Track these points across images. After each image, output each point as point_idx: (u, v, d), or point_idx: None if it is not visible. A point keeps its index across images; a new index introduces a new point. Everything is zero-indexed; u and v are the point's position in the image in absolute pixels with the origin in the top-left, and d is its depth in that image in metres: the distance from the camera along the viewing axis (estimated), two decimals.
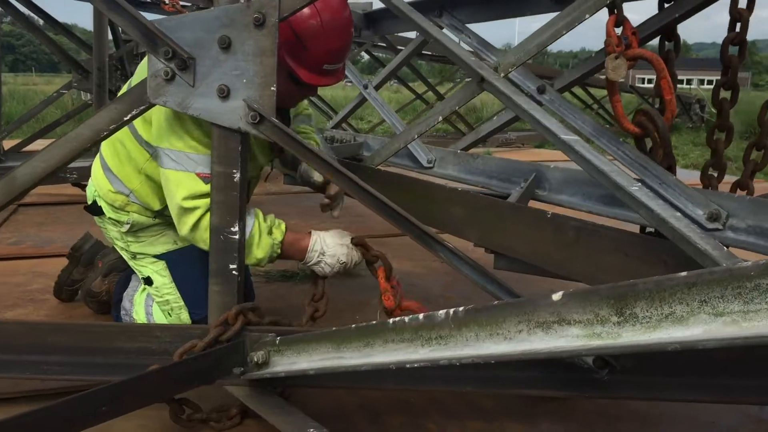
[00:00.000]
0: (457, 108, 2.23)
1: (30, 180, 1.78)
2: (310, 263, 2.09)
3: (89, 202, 2.34)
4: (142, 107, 1.77)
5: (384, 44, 7.36)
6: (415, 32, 5.93)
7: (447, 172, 2.87)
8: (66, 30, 5.90)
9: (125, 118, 1.77)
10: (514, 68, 1.97)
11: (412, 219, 1.73)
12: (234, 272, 1.82)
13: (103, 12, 1.73)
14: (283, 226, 2.08)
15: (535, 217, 1.78)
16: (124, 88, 2.13)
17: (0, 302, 2.80)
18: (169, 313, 2.27)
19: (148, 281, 2.29)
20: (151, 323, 2.24)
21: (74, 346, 1.85)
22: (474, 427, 1.88)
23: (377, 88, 3.81)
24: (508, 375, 1.79)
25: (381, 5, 3.02)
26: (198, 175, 1.93)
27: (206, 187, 1.90)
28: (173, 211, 2.00)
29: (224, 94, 1.73)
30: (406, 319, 1.32)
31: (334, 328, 1.53)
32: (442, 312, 1.24)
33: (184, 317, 2.25)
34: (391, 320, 1.36)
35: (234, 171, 1.78)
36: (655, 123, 1.90)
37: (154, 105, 1.76)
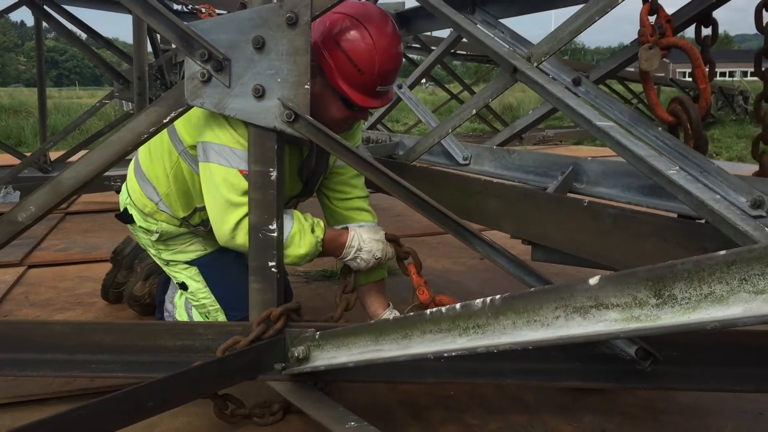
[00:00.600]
0: (490, 101, 2.22)
1: (75, 183, 1.83)
2: (347, 258, 2.11)
3: (121, 210, 2.38)
4: (180, 109, 1.80)
5: (418, 45, 7.36)
6: (448, 31, 5.93)
7: (483, 168, 2.86)
8: (108, 42, 6.05)
9: (164, 120, 1.81)
10: (547, 57, 1.95)
11: (448, 213, 1.73)
12: (273, 269, 1.85)
13: (141, 17, 1.77)
14: (322, 224, 2.09)
15: (572, 205, 1.77)
16: None
17: (50, 306, 2.89)
18: (206, 316, 2.30)
19: (183, 286, 2.33)
20: (194, 321, 2.28)
21: (120, 345, 1.89)
22: (516, 420, 1.87)
23: (411, 87, 3.81)
24: (549, 367, 1.78)
25: (414, 4, 3.02)
26: (241, 172, 1.91)
27: (246, 184, 1.90)
28: (215, 208, 1.97)
29: (259, 93, 1.76)
30: (443, 309, 1.33)
31: (371, 321, 1.54)
32: (479, 301, 1.24)
33: (222, 320, 2.28)
34: (428, 311, 1.37)
35: (271, 170, 1.80)
36: (688, 112, 1.87)
37: (191, 107, 1.80)
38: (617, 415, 1.90)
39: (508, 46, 2.33)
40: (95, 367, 1.89)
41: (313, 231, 2.05)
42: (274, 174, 1.80)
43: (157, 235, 2.28)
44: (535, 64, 1.91)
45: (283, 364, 1.80)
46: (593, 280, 1.01)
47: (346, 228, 2.17)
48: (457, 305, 1.29)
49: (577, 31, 1.85)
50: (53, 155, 6.12)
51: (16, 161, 5.97)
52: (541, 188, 2.25)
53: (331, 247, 2.11)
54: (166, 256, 2.33)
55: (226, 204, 1.94)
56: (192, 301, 2.33)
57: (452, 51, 5.74)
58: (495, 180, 2.19)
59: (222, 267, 2.30)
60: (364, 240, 2.12)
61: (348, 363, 1.58)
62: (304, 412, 1.72)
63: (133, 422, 1.75)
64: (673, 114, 1.93)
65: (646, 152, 1.51)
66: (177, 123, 2.06)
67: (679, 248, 1.47)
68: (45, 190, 1.86)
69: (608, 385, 1.81)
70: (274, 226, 1.82)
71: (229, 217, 1.94)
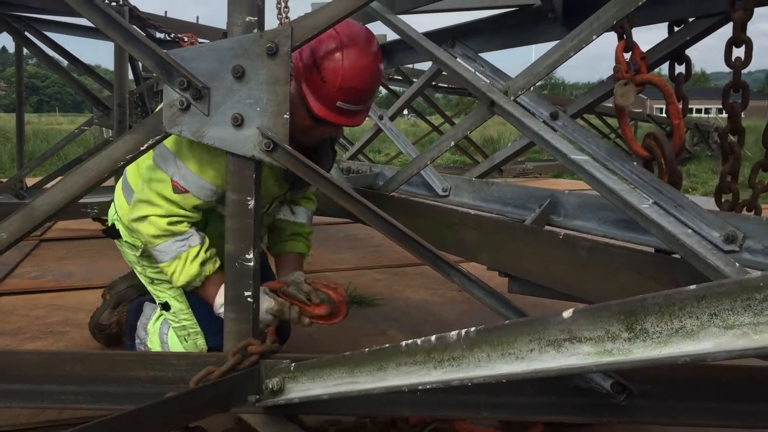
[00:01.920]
0: (468, 132, 2.24)
1: (49, 210, 1.81)
2: (218, 313, 2.07)
3: (108, 224, 2.37)
4: (158, 137, 1.80)
5: (399, 77, 7.43)
6: (429, 64, 6.00)
7: (462, 200, 2.87)
8: (88, 69, 6.04)
9: (142, 148, 1.80)
10: (523, 91, 1.98)
11: (425, 244, 1.73)
12: (249, 299, 1.83)
13: (121, 45, 1.78)
14: (217, 265, 2.08)
15: (548, 238, 1.78)
16: None
17: (20, 334, 2.83)
18: (185, 339, 2.27)
19: (166, 306, 2.31)
20: (167, 352, 2.24)
21: (91, 375, 1.85)
22: None
23: (392, 118, 3.84)
24: (525, 401, 1.77)
25: (395, 37, 3.06)
26: (173, 182, 2.00)
27: (174, 197, 2.00)
28: (138, 195, 2.08)
29: (238, 122, 1.76)
30: (419, 341, 1.32)
31: (347, 353, 1.52)
32: (454, 333, 1.23)
33: (201, 343, 2.25)
34: (403, 343, 1.36)
35: (248, 198, 1.80)
36: (662, 147, 1.90)
37: (169, 134, 1.79)
38: None
39: (487, 80, 2.36)
40: (64, 398, 1.85)
41: (203, 264, 2.05)
42: (251, 203, 1.79)
43: (141, 250, 2.27)
44: (512, 98, 1.94)
45: (258, 396, 1.77)
46: (567, 314, 1.01)
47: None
48: (433, 337, 1.28)
49: (553, 66, 1.87)
50: (30, 181, 6.06)
51: None
52: (519, 220, 2.27)
53: (206, 292, 2.11)
54: (150, 273, 2.31)
55: (146, 199, 2.03)
56: (172, 322, 2.30)
57: (433, 83, 5.80)
58: (473, 212, 2.19)
59: None
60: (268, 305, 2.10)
61: (323, 395, 1.56)
62: None
63: None
64: (648, 149, 1.95)
65: (620, 186, 1.52)
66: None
67: (652, 281, 1.48)
68: (18, 217, 1.83)
69: (584, 419, 1.80)
70: (251, 256, 1.81)
71: (142, 208, 2.04)
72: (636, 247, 1.60)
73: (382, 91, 9.42)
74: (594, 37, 1.81)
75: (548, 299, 1.98)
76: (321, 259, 4.42)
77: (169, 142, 1.99)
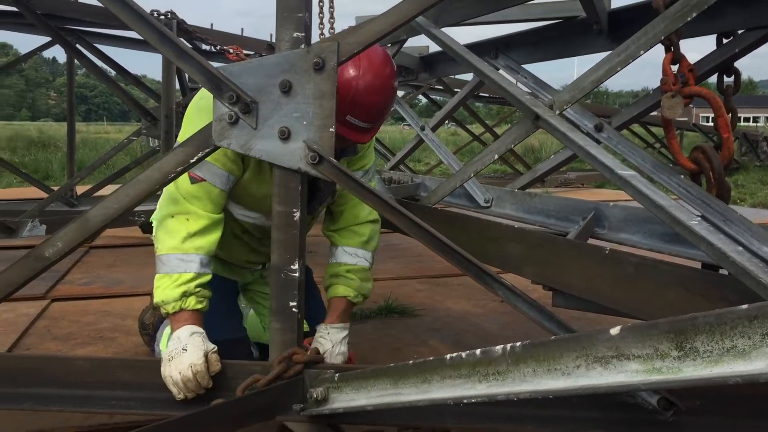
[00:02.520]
0: (512, 146, 2.24)
1: (102, 220, 1.87)
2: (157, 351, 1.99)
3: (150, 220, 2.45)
4: (207, 150, 1.84)
5: (441, 87, 7.44)
6: (471, 74, 5.99)
7: (504, 211, 2.87)
8: (136, 80, 6.19)
9: (192, 161, 1.84)
10: (569, 105, 1.97)
11: (468, 256, 1.74)
12: (294, 309, 1.85)
13: (173, 60, 1.82)
14: (200, 306, 1.96)
15: (593, 252, 1.77)
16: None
17: (71, 340, 2.91)
18: (164, 347, 2.32)
19: None
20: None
21: (140, 381, 1.90)
22: None
23: (434, 129, 3.85)
24: (571, 415, 1.76)
25: (437, 48, 3.07)
26: (189, 173, 1.99)
27: (191, 188, 1.99)
28: (164, 193, 2.06)
29: (285, 135, 1.79)
30: (464, 354, 1.32)
31: (392, 365, 1.54)
32: (499, 347, 1.24)
33: None
34: (448, 356, 1.36)
35: (294, 210, 1.82)
36: (710, 160, 1.88)
37: (218, 147, 1.83)
38: None
39: (530, 92, 2.36)
40: (114, 403, 1.90)
41: (184, 294, 1.93)
42: (297, 215, 1.82)
43: None
44: (557, 112, 1.93)
45: (302, 405, 1.80)
46: (614, 330, 1.01)
47: (194, 332, 1.92)
48: (478, 351, 1.29)
49: (599, 81, 1.87)
50: (80, 189, 6.24)
51: (42, 194, 6.09)
52: (562, 233, 2.25)
53: (171, 325, 1.97)
54: None
55: (168, 198, 2.03)
56: None
57: (475, 93, 5.79)
58: (516, 225, 2.19)
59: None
60: (176, 353, 1.86)
61: (367, 406, 1.57)
62: None
63: None
64: (696, 162, 1.93)
65: (667, 202, 1.51)
66: None
67: (701, 298, 1.46)
68: (73, 227, 1.89)
69: None
70: (296, 266, 1.84)
71: (164, 207, 2.03)
72: (684, 264, 1.58)
73: (422, 100, 9.45)
74: (642, 52, 1.80)
75: (593, 313, 1.96)
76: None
77: (180, 138, 2.03)
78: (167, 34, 1.83)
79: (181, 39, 1.96)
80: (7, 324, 3.09)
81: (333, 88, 1.76)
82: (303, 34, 1.78)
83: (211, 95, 1.95)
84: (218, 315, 2.31)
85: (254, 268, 2.49)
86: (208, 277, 1.99)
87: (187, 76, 6.87)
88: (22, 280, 1.92)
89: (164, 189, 2.02)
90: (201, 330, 1.94)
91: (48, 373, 1.92)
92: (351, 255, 2.29)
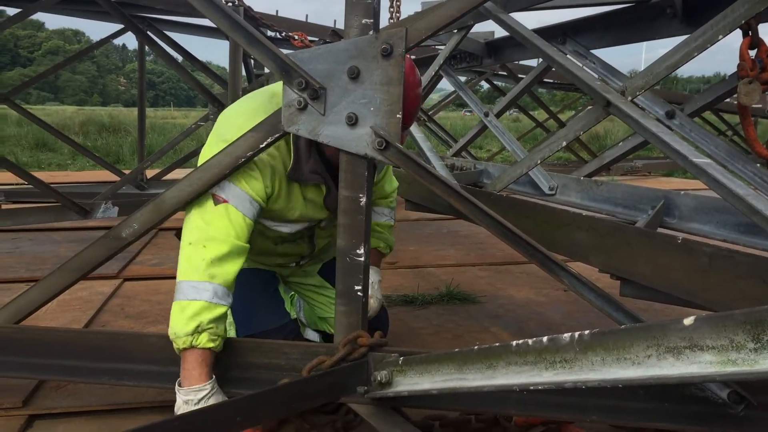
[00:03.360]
0: (581, 133, 2.20)
1: (176, 203, 1.93)
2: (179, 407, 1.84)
3: None
4: (277, 135, 1.88)
5: (504, 73, 7.35)
6: (536, 60, 5.90)
7: (569, 199, 2.83)
8: (204, 67, 6.32)
9: (261, 145, 1.89)
10: (642, 92, 1.93)
11: (534, 244, 1.73)
12: (359, 293, 1.88)
13: (244, 47, 1.86)
14: (212, 345, 1.82)
15: (665, 242, 1.73)
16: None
17: (143, 318, 3.02)
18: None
19: None
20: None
21: None
22: None
23: (498, 115, 3.82)
24: (636, 406, 1.74)
25: (503, 33, 3.04)
26: (213, 195, 1.91)
27: (215, 211, 1.88)
28: (187, 216, 1.96)
29: (352, 121, 1.81)
30: (530, 341, 1.32)
31: (457, 350, 1.55)
32: (566, 335, 1.23)
33: (232, 334, 2.32)
34: (514, 342, 1.37)
35: (360, 195, 1.84)
36: None
37: (288, 133, 1.87)
38: None
39: (599, 78, 2.31)
40: None
41: (197, 328, 1.80)
42: (363, 200, 1.84)
43: None
44: (629, 98, 1.89)
45: (366, 388, 1.82)
46: (688, 321, 0.99)
47: (208, 384, 1.83)
48: (545, 338, 1.28)
49: (674, 66, 1.82)
50: (149, 173, 6.43)
51: (113, 177, 6.31)
52: (630, 222, 2.21)
53: (182, 364, 1.85)
54: None
55: (191, 223, 1.92)
56: None
57: (540, 80, 5.72)
58: (584, 213, 2.16)
59: (245, 285, 2.29)
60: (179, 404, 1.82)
61: (431, 390, 1.58)
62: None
63: None
64: None
65: (745, 191, 1.46)
66: None
67: None
68: (148, 209, 1.97)
69: (697, 428, 1.74)
70: (362, 251, 1.86)
71: (189, 233, 1.91)
72: (762, 254, 1.53)
73: (484, 86, 9.35)
74: (720, 37, 1.74)
75: (660, 304, 1.93)
76: (424, 254, 4.46)
77: (203, 158, 1.97)
78: (239, 21, 1.87)
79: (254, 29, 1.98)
80: (83, 302, 3.22)
81: (401, 75, 1.77)
82: (371, 21, 1.80)
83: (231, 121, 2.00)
84: (261, 305, 2.36)
85: (289, 264, 2.52)
86: (222, 310, 1.85)
87: (252, 62, 6.99)
88: (100, 259, 2.00)
89: (186, 215, 1.95)
90: (210, 391, 1.82)
91: (125, 349, 2.00)
92: (379, 214, 2.53)
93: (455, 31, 3.59)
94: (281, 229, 2.22)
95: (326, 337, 2.61)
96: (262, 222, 2.16)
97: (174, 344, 1.83)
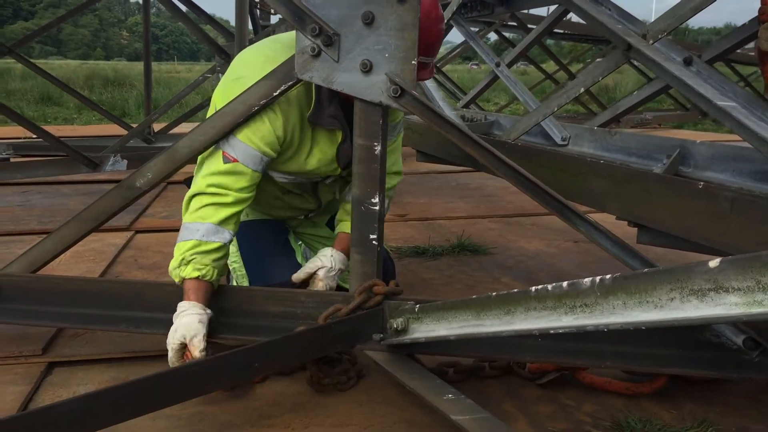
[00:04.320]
0: (600, 79, 2.17)
1: (189, 153, 1.92)
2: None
3: None
4: (290, 82, 1.85)
5: (514, 23, 7.23)
6: (546, 9, 5.78)
7: (582, 149, 2.80)
8: (210, 18, 6.24)
9: (275, 93, 1.87)
10: (664, 35, 1.89)
11: (553, 193, 1.72)
12: (374, 242, 1.88)
13: None
14: (199, 273, 1.89)
15: (685, 187, 1.71)
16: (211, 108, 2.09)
17: (157, 269, 3.04)
18: (236, 281, 2.40)
19: None
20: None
21: (228, 307, 1.98)
22: (612, 404, 1.85)
23: (510, 65, 3.76)
24: (651, 352, 1.76)
25: None
26: (224, 153, 1.93)
27: (223, 168, 1.92)
28: (197, 168, 2.01)
29: (367, 68, 1.78)
30: (549, 287, 1.33)
31: (474, 296, 1.55)
32: (587, 280, 1.23)
33: (245, 285, 2.35)
34: (533, 288, 1.37)
35: (375, 144, 1.83)
36: None
37: (301, 80, 1.84)
38: (719, 404, 1.84)
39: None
40: None
41: (182, 261, 1.90)
42: (378, 148, 1.83)
43: None
44: (651, 42, 1.86)
45: (381, 335, 1.84)
46: (713, 263, 0.99)
47: (201, 306, 1.89)
48: (564, 283, 1.29)
49: (699, 7, 1.78)
50: (156, 126, 6.40)
51: (120, 131, 6.29)
52: (647, 171, 2.19)
53: (185, 288, 1.92)
54: None
55: (200, 176, 1.97)
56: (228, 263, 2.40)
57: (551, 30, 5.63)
58: (602, 161, 2.14)
59: (255, 236, 2.38)
60: (180, 323, 1.85)
61: (449, 336, 1.60)
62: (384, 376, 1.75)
63: (240, 381, 1.86)
64: None
65: None
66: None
67: None
68: (161, 158, 1.96)
69: (712, 373, 1.76)
70: (376, 200, 1.85)
71: (196, 186, 1.97)
72: None
73: (491, 38, 9.22)
74: None
75: (675, 254, 1.92)
76: (434, 207, 4.45)
77: (216, 100, 2.00)
78: None
79: None
80: (96, 253, 3.23)
81: (416, 20, 1.73)
82: None
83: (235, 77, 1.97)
84: (273, 257, 2.36)
85: (297, 216, 2.51)
86: (214, 245, 1.92)
87: (258, 12, 6.89)
88: (115, 209, 2.01)
89: (196, 169, 2.00)
90: (187, 307, 1.86)
91: (140, 297, 2.02)
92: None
93: None
94: (292, 180, 2.21)
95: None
96: (269, 173, 2.15)
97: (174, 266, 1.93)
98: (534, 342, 1.80)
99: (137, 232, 3.75)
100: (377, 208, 1.86)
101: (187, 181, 2.47)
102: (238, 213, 1.99)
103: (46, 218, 4.00)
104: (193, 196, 1.96)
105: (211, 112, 2.03)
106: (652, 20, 2.11)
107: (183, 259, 1.90)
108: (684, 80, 1.62)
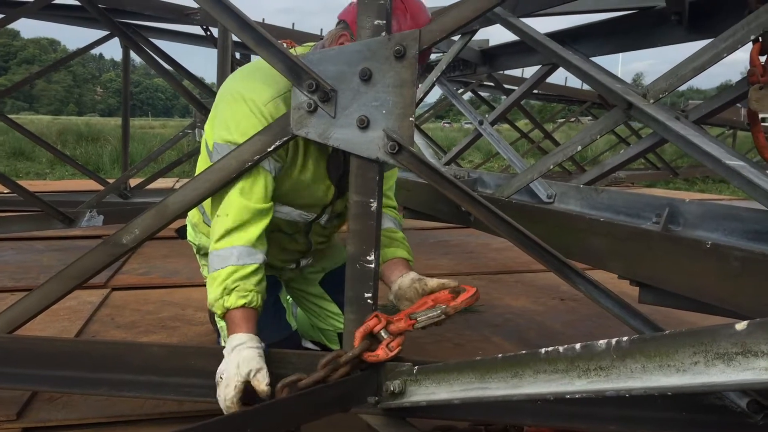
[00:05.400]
0: (598, 137, 2.18)
1: (180, 207, 1.87)
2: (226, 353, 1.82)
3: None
4: (285, 138, 1.83)
5: (491, 83, 7.37)
6: (521, 70, 5.88)
7: (569, 207, 2.79)
8: (191, 75, 6.24)
9: (269, 149, 1.84)
10: (665, 95, 1.91)
11: (551, 250, 1.70)
12: (369, 301, 1.83)
13: (252, 47, 1.81)
14: (245, 301, 1.84)
15: (693, 247, 1.70)
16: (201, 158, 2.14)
17: (135, 328, 2.94)
18: (223, 340, 2.31)
19: None
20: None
21: (214, 369, 1.90)
22: None
23: (493, 123, 3.79)
24: (654, 416, 1.71)
25: (497, 41, 3.02)
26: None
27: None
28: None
29: (364, 124, 1.76)
30: (561, 348, 1.28)
31: (477, 358, 1.50)
32: (602, 342, 1.19)
33: None
34: (543, 350, 1.32)
35: (371, 200, 1.80)
36: None
37: (296, 136, 1.82)
38: None
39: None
40: (188, 390, 1.90)
41: (225, 291, 1.83)
42: (374, 205, 1.80)
43: (196, 248, 2.34)
44: (652, 101, 1.87)
45: (377, 398, 1.77)
46: (740, 326, 0.96)
47: (252, 336, 1.83)
48: (577, 345, 1.24)
49: (701, 68, 1.80)
50: (132, 182, 6.33)
51: (93, 186, 6.19)
52: None
53: (227, 329, 1.87)
54: (204, 272, 2.34)
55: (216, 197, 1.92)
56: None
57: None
58: (602, 218, 2.12)
59: None
60: (229, 363, 1.76)
61: (453, 399, 1.54)
62: None
63: None
64: None
65: None
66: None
67: None
68: (150, 214, 1.90)
69: None
70: (372, 257, 1.81)
71: (212, 206, 1.95)
72: None
73: (466, 95, 9.37)
74: (752, 37, 1.72)
75: (677, 312, 1.90)
76: (416, 264, 4.40)
77: (218, 135, 1.97)
78: (248, 20, 1.82)
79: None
80: (71, 311, 3.13)
81: (414, 77, 1.73)
82: (384, 22, 1.76)
83: (240, 85, 1.97)
84: (263, 315, 2.29)
85: (288, 266, 2.45)
86: (252, 268, 1.86)
87: None
88: (100, 266, 1.93)
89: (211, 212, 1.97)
90: (245, 340, 1.79)
91: (122, 359, 1.93)
92: (396, 224, 2.35)
93: (458, 37, 3.57)
94: (283, 216, 2.16)
95: (322, 348, 2.55)
96: None
97: (216, 312, 1.87)
98: (533, 405, 1.75)
99: (114, 289, 3.65)
100: (372, 266, 1.82)
101: (180, 231, 2.42)
102: (266, 229, 1.93)
103: (19, 275, 3.88)
104: (216, 216, 1.91)
105: (210, 123, 2.03)
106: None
107: (225, 288, 1.82)
108: (690, 140, 1.63)
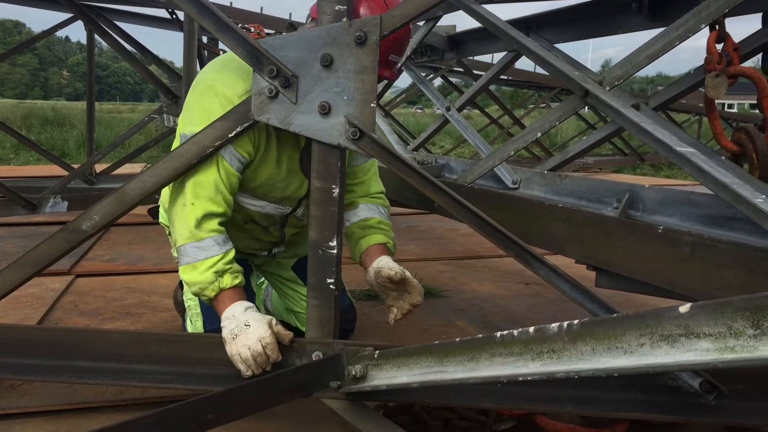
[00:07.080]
0: (557, 124, 2.20)
1: (140, 194, 1.86)
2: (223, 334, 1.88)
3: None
4: (246, 124, 1.82)
5: (461, 69, 7.38)
6: (491, 56, 5.90)
7: (533, 193, 2.82)
8: (157, 59, 6.17)
9: (230, 135, 1.83)
10: (621, 81, 1.93)
11: (512, 236, 1.72)
12: (331, 286, 1.84)
13: (213, 32, 1.80)
14: (236, 281, 1.94)
15: (646, 232, 1.73)
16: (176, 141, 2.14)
17: (99, 315, 2.92)
18: (191, 320, 2.36)
19: (181, 285, 2.41)
20: None
21: (176, 356, 1.90)
22: None
23: (460, 110, 3.81)
24: (609, 397, 1.75)
25: (465, 28, 3.03)
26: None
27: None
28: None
29: (325, 111, 1.77)
30: (515, 332, 1.31)
31: (436, 342, 1.52)
32: (554, 325, 1.22)
33: (199, 326, 2.32)
34: (498, 333, 1.35)
35: (333, 186, 1.81)
36: (754, 141, 1.84)
37: (258, 122, 1.81)
38: None
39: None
40: (151, 377, 1.90)
41: (221, 275, 1.91)
42: (336, 191, 1.81)
43: (168, 230, 2.35)
44: (608, 88, 1.90)
45: (339, 383, 1.79)
46: (684, 308, 0.99)
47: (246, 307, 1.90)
48: (531, 329, 1.27)
49: (655, 56, 1.83)
50: (98, 167, 6.24)
51: (59, 172, 6.09)
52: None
53: (216, 307, 1.95)
54: (176, 254, 2.34)
55: (179, 185, 1.96)
56: (186, 302, 2.40)
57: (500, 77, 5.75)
58: (561, 204, 2.15)
59: None
60: (239, 330, 1.83)
61: (411, 383, 1.56)
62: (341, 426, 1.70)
63: None
64: (738, 143, 1.90)
65: (730, 179, 1.48)
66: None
67: (766, 278, 1.43)
68: (110, 200, 1.89)
69: (670, 418, 1.76)
70: (334, 243, 1.82)
71: (176, 195, 1.97)
72: (746, 243, 1.55)
73: (437, 81, 9.38)
74: (702, 26, 1.75)
75: (638, 296, 1.94)
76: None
77: (182, 127, 2.03)
78: (208, 5, 1.80)
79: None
80: (34, 298, 3.09)
81: (375, 63, 1.73)
82: (345, 7, 1.76)
83: (213, 77, 1.98)
84: None
85: (260, 253, 2.46)
86: (231, 254, 1.96)
87: (206, 53, 6.84)
88: (59, 253, 1.92)
89: (172, 185, 1.97)
90: (251, 304, 1.92)
91: (85, 346, 1.92)
92: (374, 210, 2.31)
93: (423, 22, 3.57)
94: (257, 209, 2.18)
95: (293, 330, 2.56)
96: (241, 199, 2.12)
97: (203, 298, 1.95)
98: (492, 387, 1.78)
99: (78, 276, 3.60)
100: (335, 251, 1.83)
101: (152, 211, 2.42)
102: (228, 217, 2.01)
103: None
104: (175, 208, 1.95)
105: (185, 118, 2.04)
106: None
107: (217, 272, 1.91)
108: (642, 126, 1.65)
